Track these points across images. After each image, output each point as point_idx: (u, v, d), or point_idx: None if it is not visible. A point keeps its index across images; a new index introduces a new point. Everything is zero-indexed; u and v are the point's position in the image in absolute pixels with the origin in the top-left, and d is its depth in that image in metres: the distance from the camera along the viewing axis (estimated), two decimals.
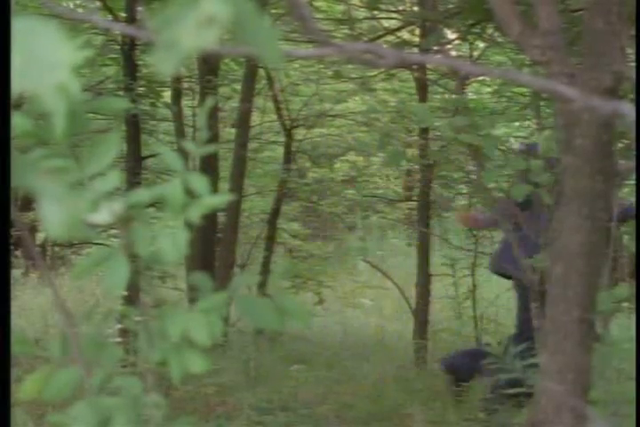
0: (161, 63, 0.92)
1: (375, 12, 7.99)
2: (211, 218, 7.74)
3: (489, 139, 3.73)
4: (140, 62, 8.14)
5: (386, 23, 8.34)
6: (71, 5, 8.15)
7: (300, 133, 10.11)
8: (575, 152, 2.27)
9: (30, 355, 1.40)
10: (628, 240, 3.24)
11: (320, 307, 8.50)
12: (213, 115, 7.65)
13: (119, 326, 5.21)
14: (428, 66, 7.39)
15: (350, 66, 8.41)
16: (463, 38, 6.16)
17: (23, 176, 1.04)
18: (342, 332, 8.29)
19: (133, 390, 1.39)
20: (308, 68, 9.52)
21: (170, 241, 1.30)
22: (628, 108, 1.06)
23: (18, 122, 1.23)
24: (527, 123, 9.07)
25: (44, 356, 1.40)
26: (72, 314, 1.41)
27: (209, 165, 7.44)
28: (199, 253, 7.64)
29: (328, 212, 12.27)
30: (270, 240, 9.23)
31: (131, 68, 8.06)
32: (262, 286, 8.04)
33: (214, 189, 7.42)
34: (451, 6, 5.80)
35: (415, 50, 7.18)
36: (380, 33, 7.78)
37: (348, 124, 10.41)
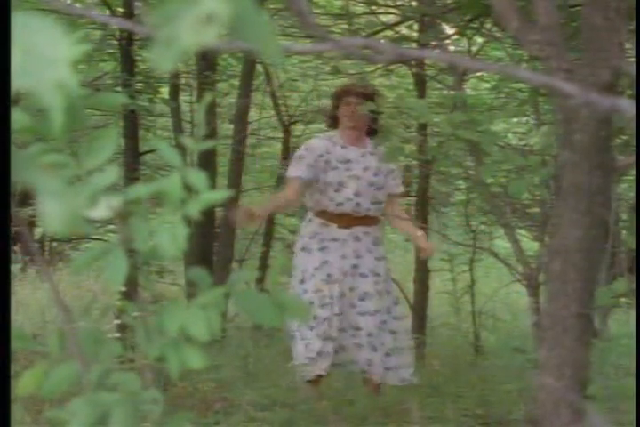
0: (159, 59, 0.92)
1: (373, 7, 7.99)
2: (209, 213, 7.74)
3: (487, 134, 3.73)
4: (137, 58, 8.13)
5: (384, 18, 8.34)
6: (69, 0, 8.13)
7: (298, 129, 10.11)
8: (573, 147, 2.27)
9: (28, 350, 1.40)
10: (626, 235, 3.24)
11: None
12: (211, 110, 7.65)
13: (117, 321, 5.21)
14: (427, 61, 7.39)
15: (348, 61, 8.40)
16: (461, 33, 6.15)
17: (22, 171, 1.04)
18: None
19: (131, 386, 1.39)
20: (306, 63, 9.52)
21: (168, 236, 1.30)
22: (627, 104, 1.06)
23: (17, 117, 1.23)
24: (525, 118, 9.07)
25: (42, 351, 1.40)
26: (70, 309, 1.41)
27: (207, 161, 7.44)
28: (197, 249, 7.64)
29: None
30: (268, 235, 9.24)
31: (128, 63, 8.06)
32: (260, 281, 8.06)
33: (212, 184, 7.42)
34: (449, 1, 5.80)
35: (413, 45, 7.17)
36: (379, 28, 7.77)
37: None
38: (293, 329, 5.17)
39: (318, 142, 5.27)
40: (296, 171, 5.18)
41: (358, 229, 5.25)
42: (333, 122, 5.34)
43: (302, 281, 5.20)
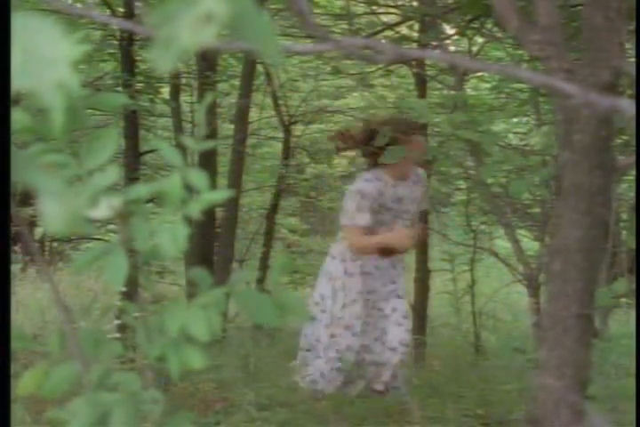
0: (159, 59, 0.92)
1: (374, 7, 7.99)
2: (209, 213, 7.74)
3: (487, 135, 3.73)
4: (138, 58, 8.13)
5: (384, 18, 8.34)
6: (69, 0, 8.14)
7: (298, 129, 10.12)
8: (574, 147, 2.27)
9: (28, 350, 1.40)
10: (626, 235, 3.24)
11: None
12: (212, 111, 7.65)
13: (118, 321, 5.21)
14: (427, 61, 7.39)
15: (349, 61, 8.40)
16: (462, 34, 6.15)
17: (22, 171, 1.04)
18: None
19: (132, 386, 1.39)
20: (306, 63, 9.53)
21: (169, 236, 1.30)
22: (627, 104, 1.06)
23: (17, 117, 1.23)
24: (526, 119, 9.07)
25: (42, 351, 1.40)
26: (70, 309, 1.41)
27: (207, 161, 7.44)
28: (198, 249, 7.64)
29: (326, 207, 12.29)
30: (269, 235, 9.24)
31: (129, 63, 8.06)
32: (261, 281, 8.05)
33: (213, 184, 7.42)
34: (449, 1, 5.80)
35: (414, 45, 7.17)
36: (379, 28, 7.77)
37: (347, 119, 10.42)
38: (317, 348, 5.22)
39: (370, 188, 5.16)
40: (362, 219, 5.12)
41: (395, 258, 5.32)
42: (376, 160, 5.20)
43: (344, 306, 5.23)
